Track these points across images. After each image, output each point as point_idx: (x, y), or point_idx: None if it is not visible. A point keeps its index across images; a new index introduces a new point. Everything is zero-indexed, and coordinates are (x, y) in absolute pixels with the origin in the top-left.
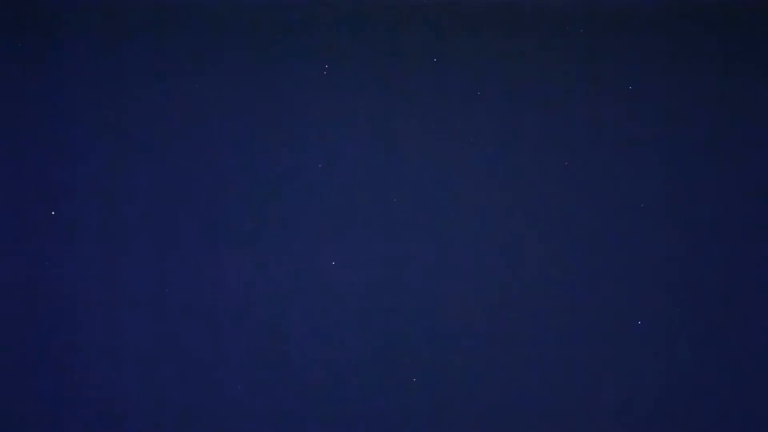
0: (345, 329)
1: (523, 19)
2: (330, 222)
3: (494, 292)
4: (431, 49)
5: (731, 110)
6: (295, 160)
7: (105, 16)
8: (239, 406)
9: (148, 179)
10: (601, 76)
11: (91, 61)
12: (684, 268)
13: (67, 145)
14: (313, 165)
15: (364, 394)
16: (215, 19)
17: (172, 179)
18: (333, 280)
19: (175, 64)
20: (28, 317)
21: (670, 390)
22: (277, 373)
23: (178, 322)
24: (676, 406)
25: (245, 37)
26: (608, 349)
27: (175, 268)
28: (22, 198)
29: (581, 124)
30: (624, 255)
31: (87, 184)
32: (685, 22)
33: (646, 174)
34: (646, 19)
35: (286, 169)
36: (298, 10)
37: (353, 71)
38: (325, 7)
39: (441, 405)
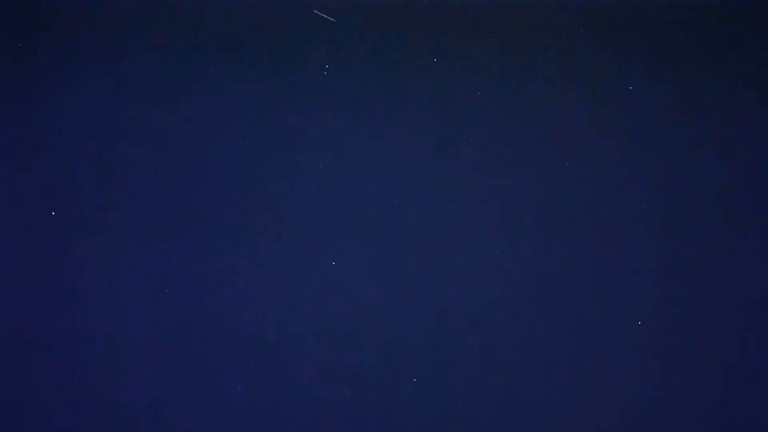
0: (345, 329)
1: (523, 19)
2: (330, 222)
3: (494, 293)
4: (431, 49)
5: (731, 110)
6: (295, 161)
7: (105, 16)
8: (239, 406)
9: (148, 179)
10: (601, 76)
11: (91, 62)
12: (684, 268)
13: (67, 145)
14: (313, 165)
15: (364, 394)
16: (215, 19)
17: (172, 179)
18: (333, 280)
19: (175, 64)
20: (28, 317)
21: (670, 390)
22: (277, 373)
23: (178, 322)
24: (676, 407)
25: (245, 38)
26: (608, 349)
27: (175, 269)
28: (22, 198)
29: (581, 124)
30: (624, 255)
31: (87, 184)
32: (685, 22)
33: (647, 174)
34: (646, 19)
35: (286, 169)
36: (298, 11)
37: (353, 71)
38: (326, 8)
39: (441, 405)
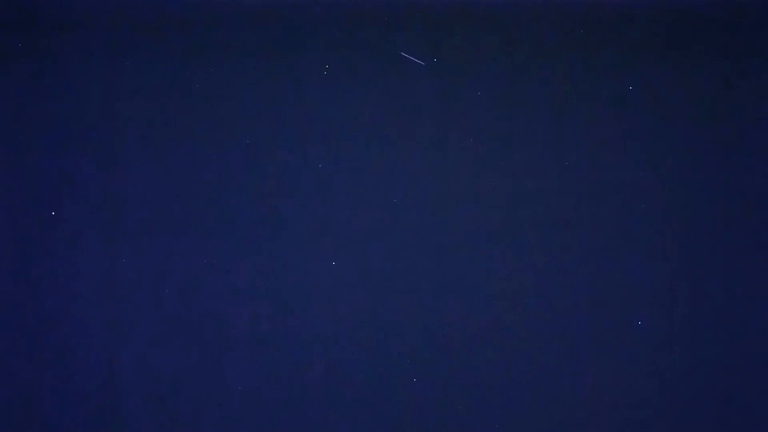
0: (345, 329)
1: (523, 19)
2: (330, 222)
3: (494, 293)
4: (431, 49)
5: (731, 110)
6: (295, 160)
7: (105, 15)
8: (239, 405)
9: (148, 179)
10: (601, 76)
11: (91, 61)
12: (684, 268)
13: (67, 145)
14: (313, 165)
15: (364, 394)
16: (215, 19)
17: (172, 179)
18: (333, 280)
19: (175, 64)
20: (28, 317)
21: (670, 390)
22: (277, 372)
23: (177, 322)
24: (676, 406)
25: (245, 38)
26: (608, 349)
27: (175, 269)
28: (22, 198)
29: (581, 124)
30: (624, 255)
31: (87, 184)
32: (685, 22)
33: (646, 174)
34: (646, 19)
35: (286, 169)
36: (298, 10)
37: (353, 71)
38: (325, 7)
39: (441, 405)
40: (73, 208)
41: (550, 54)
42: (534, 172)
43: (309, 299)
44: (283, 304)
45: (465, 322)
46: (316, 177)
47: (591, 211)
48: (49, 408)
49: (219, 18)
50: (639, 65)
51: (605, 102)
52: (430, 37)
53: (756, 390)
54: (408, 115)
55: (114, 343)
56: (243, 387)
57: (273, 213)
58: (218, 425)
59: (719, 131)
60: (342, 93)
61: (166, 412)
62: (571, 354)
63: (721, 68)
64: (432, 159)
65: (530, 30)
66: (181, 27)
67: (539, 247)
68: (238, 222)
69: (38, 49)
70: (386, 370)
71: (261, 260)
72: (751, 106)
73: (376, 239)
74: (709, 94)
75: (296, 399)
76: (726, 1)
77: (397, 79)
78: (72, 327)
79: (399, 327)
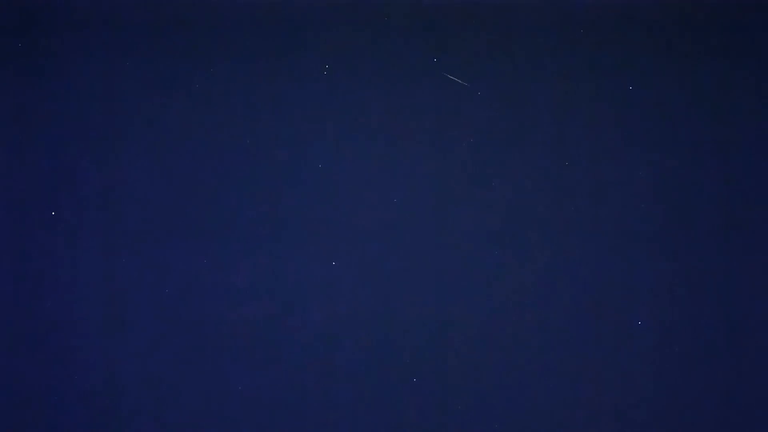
0: (345, 329)
1: (523, 19)
2: (330, 222)
3: (494, 293)
4: (431, 49)
5: (731, 110)
6: (295, 160)
7: (105, 15)
8: (238, 405)
9: (148, 179)
10: (601, 76)
11: (91, 61)
12: (684, 267)
13: (67, 145)
14: (313, 165)
15: (363, 394)
16: (215, 19)
17: (171, 179)
18: (333, 280)
19: (175, 63)
20: (28, 317)
21: (670, 390)
22: (277, 372)
23: (177, 323)
24: (676, 406)
25: (245, 37)
26: (608, 349)
27: (175, 268)
28: (22, 198)
29: (581, 124)
30: (624, 255)
31: (87, 184)
32: (685, 22)
33: (646, 174)
34: (646, 19)
35: (286, 169)
36: (298, 10)
37: (353, 71)
38: (325, 7)
39: (441, 405)
40: (73, 208)
41: (550, 54)
42: (534, 172)
43: (309, 299)
44: (283, 304)
45: (465, 322)
46: (316, 177)
47: (591, 211)
48: (49, 408)
49: (219, 18)
50: (639, 65)
51: (605, 102)
52: (430, 37)
53: (756, 390)
54: (408, 115)
55: (114, 343)
56: (243, 387)
57: (273, 213)
58: (218, 425)
59: (719, 131)
60: (342, 93)
61: (166, 412)
62: (571, 354)
63: (721, 68)
64: (432, 159)
65: (530, 30)
66: (181, 27)
67: (539, 247)
68: (238, 222)
69: (38, 49)
70: (386, 370)
71: (261, 260)
72: (751, 106)
73: (376, 239)
74: (709, 94)
75: (296, 399)
76: (726, 1)
77: (397, 79)
78: (72, 327)
79: (399, 327)
